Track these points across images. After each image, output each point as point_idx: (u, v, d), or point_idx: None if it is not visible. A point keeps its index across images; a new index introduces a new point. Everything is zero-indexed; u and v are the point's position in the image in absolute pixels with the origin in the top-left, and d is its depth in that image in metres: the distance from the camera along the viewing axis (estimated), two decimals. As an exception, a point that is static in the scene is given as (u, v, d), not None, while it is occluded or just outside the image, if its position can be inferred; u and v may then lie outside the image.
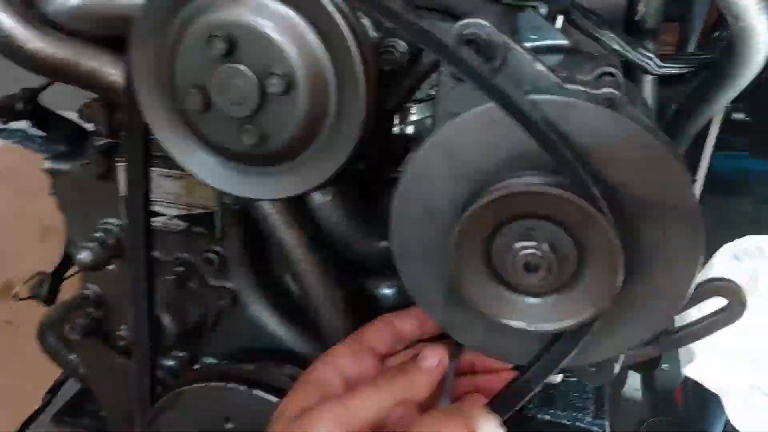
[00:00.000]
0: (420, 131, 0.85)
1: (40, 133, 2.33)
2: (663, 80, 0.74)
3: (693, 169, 0.97)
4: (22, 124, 2.33)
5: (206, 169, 0.56)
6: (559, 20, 0.66)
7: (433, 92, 0.83)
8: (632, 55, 0.66)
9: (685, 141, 0.78)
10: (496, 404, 0.56)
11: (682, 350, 0.98)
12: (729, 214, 1.09)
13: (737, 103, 1.02)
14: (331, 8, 0.47)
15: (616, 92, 0.46)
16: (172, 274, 0.72)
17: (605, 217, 0.45)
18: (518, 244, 0.48)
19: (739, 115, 1.13)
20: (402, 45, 0.60)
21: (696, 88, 0.73)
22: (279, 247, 0.65)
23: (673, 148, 0.49)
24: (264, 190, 0.56)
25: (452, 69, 0.50)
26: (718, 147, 0.97)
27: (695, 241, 0.48)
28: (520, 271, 0.49)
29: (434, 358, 0.58)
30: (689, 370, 0.93)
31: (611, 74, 0.48)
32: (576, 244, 0.48)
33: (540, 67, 0.50)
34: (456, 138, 0.49)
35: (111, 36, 0.59)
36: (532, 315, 0.52)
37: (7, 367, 1.60)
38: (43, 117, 0.76)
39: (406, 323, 0.62)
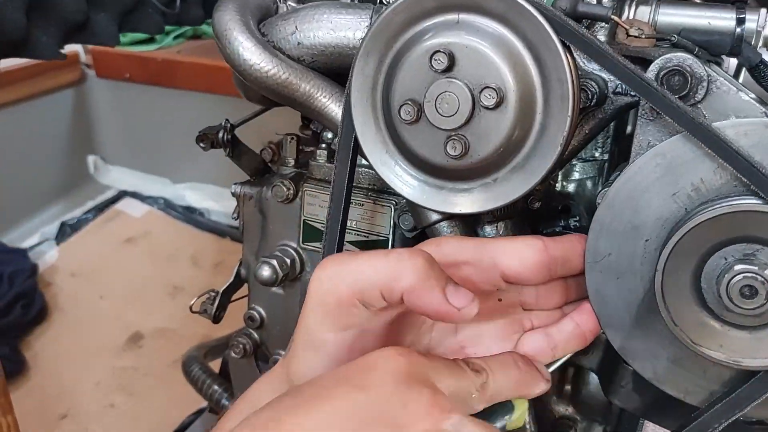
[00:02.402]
0: (580, 190, 0.86)
1: (182, 202, 2.52)
2: None
3: None
4: (166, 192, 2.53)
5: (404, 182, 0.60)
6: (742, 75, 0.68)
7: (597, 154, 0.85)
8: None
9: None
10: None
11: None
12: None
13: None
14: (551, 33, 0.51)
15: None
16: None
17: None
18: (739, 267, 0.47)
19: None
20: (593, 85, 0.63)
21: None
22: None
23: None
24: (454, 204, 0.59)
25: (650, 104, 0.52)
26: None
27: None
28: (735, 296, 0.48)
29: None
30: None
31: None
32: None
33: (745, 97, 0.52)
34: (677, 151, 0.50)
35: (328, 66, 0.67)
36: (735, 348, 0.51)
37: (134, 409, 1.66)
38: (238, 148, 0.84)
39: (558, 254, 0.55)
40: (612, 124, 0.77)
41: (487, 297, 0.57)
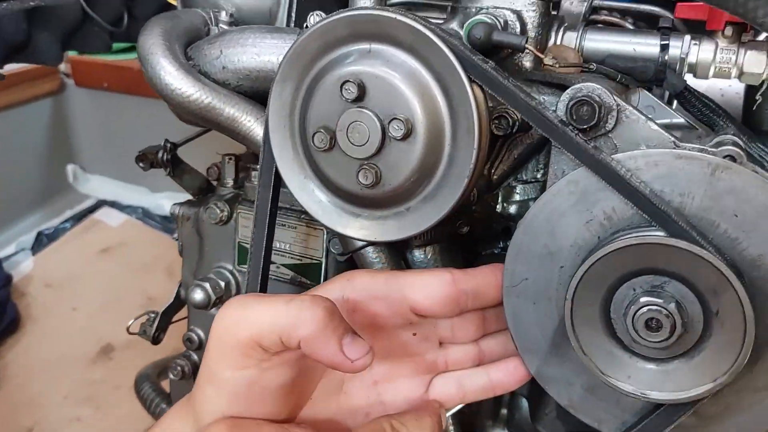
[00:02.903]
0: (521, 212, 0.86)
1: (160, 212, 2.50)
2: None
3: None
4: (145, 201, 2.51)
5: (320, 207, 0.59)
6: (674, 104, 0.68)
7: (539, 175, 0.85)
8: (747, 146, 0.66)
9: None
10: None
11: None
12: None
13: None
14: (458, 66, 0.51)
15: (738, 150, 0.46)
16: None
17: (741, 283, 0.45)
18: (644, 299, 0.47)
19: None
20: (514, 112, 0.63)
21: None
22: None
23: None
24: (369, 231, 0.58)
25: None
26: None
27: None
28: (640, 328, 0.48)
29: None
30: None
31: (732, 142, 0.49)
32: (704, 309, 0.47)
33: (654, 126, 0.51)
34: (589, 179, 0.50)
35: (254, 90, 0.66)
36: (642, 380, 0.51)
37: (100, 423, 1.65)
38: (180, 168, 0.83)
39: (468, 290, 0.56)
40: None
41: (401, 331, 0.57)
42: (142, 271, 2.23)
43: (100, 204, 2.57)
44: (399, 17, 0.52)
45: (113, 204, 2.56)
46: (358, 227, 0.58)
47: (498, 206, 0.85)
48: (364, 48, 0.54)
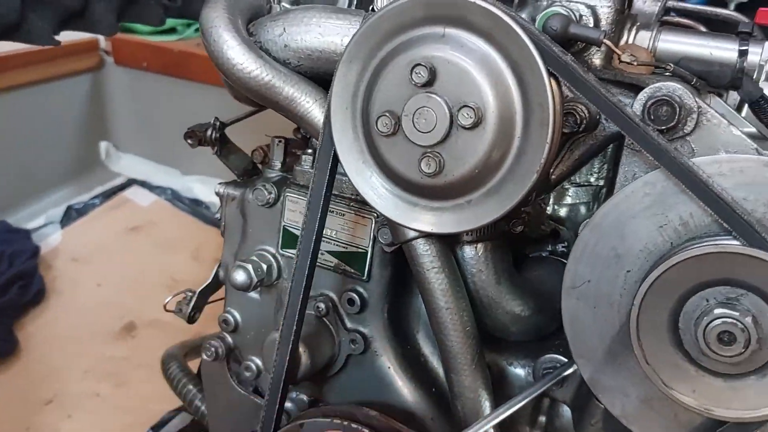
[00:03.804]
0: (572, 216, 0.84)
1: (189, 195, 2.50)
2: None
3: None
4: (175, 183, 2.51)
5: (378, 194, 0.58)
6: (745, 110, 0.65)
7: (592, 179, 0.83)
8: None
9: None
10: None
11: None
12: None
13: None
14: (537, 57, 0.49)
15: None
16: (312, 309, 0.73)
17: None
18: (718, 311, 0.45)
19: None
20: (583, 109, 0.61)
21: None
22: (424, 292, 0.65)
23: None
24: (426, 222, 0.57)
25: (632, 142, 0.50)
26: None
27: None
28: (712, 341, 0.46)
29: None
30: None
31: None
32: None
33: (736, 132, 0.49)
34: (667, 183, 0.48)
35: (314, 71, 0.65)
36: (708, 395, 0.49)
37: (119, 400, 1.65)
38: (226, 147, 0.82)
39: None
40: (610, 149, 0.75)
41: None
42: (168, 253, 2.24)
43: (130, 183, 2.58)
44: (479, 2, 0.50)
45: (143, 183, 2.57)
46: (415, 217, 0.57)
47: (549, 208, 0.83)
48: (437, 32, 0.52)
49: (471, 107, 0.51)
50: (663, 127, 0.51)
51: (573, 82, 0.49)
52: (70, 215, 2.35)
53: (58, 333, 1.88)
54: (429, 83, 0.52)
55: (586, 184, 0.83)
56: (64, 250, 2.20)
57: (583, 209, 0.85)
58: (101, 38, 2.51)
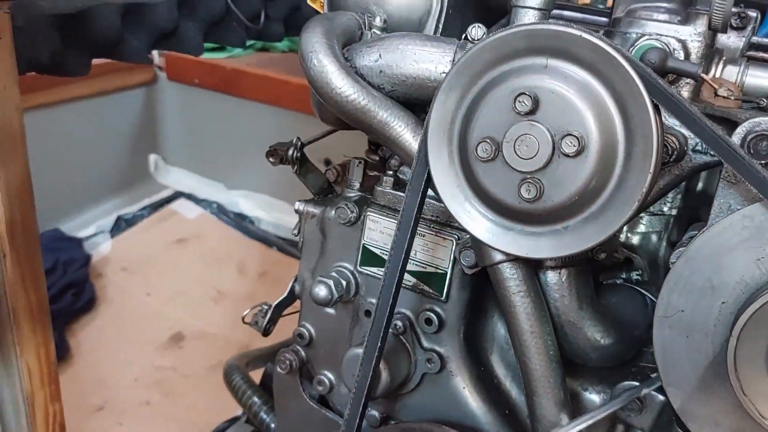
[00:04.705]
0: (644, 244, 0.84)
1: (234, 209, 2.54)
2: None
3: None
4: (220, 197, 2.56)
5: (470, 217, 0.59)
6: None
7: (665, 208, 0.84)
8: None
9: None
10: None
11: None
12: None
13: None
14: (642, 89, 0.51)
15: None
16: (391, 327, 0.75)
17: None
18: None
19: None
20: (674, 141, 0.62)
21: None
22: (508, 316, 0.66)
23: None
24: (520, 247, 0.58)
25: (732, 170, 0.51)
26: None
27: None
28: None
29: None
30: None
31: None
32: None
33: (844, 169, 0.50)
34: (766, 218, 0.49)
35: (406, 96, 0.67)
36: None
37: (167, 409, 1.68)
38: (305, 166, 0.85)
39: None
40: (684, 180, 0.76)
41: None
42: (214, 266, 2.28)
43: (177, 195, 2.63)
44: (584, 35, 0.52)
45: (189, 196, 2.62)
46: (510, 241, 0.58)
47: (622, 235, 0.84)
48: (540, 62, 0.54)
49: (575, 136, 0.52)
50: (763, 162, 0.52)
51: (677, 114, 0.50)
52: (119, 225, 2.41)
53: (108, 341, 1.92)
54: (532, 111, 0.54)
55: (659, 213, 0.84)
56: (114, 260, 2.25)
57: (654, 237, 0.85)
58: (155, 54, 2.59)
